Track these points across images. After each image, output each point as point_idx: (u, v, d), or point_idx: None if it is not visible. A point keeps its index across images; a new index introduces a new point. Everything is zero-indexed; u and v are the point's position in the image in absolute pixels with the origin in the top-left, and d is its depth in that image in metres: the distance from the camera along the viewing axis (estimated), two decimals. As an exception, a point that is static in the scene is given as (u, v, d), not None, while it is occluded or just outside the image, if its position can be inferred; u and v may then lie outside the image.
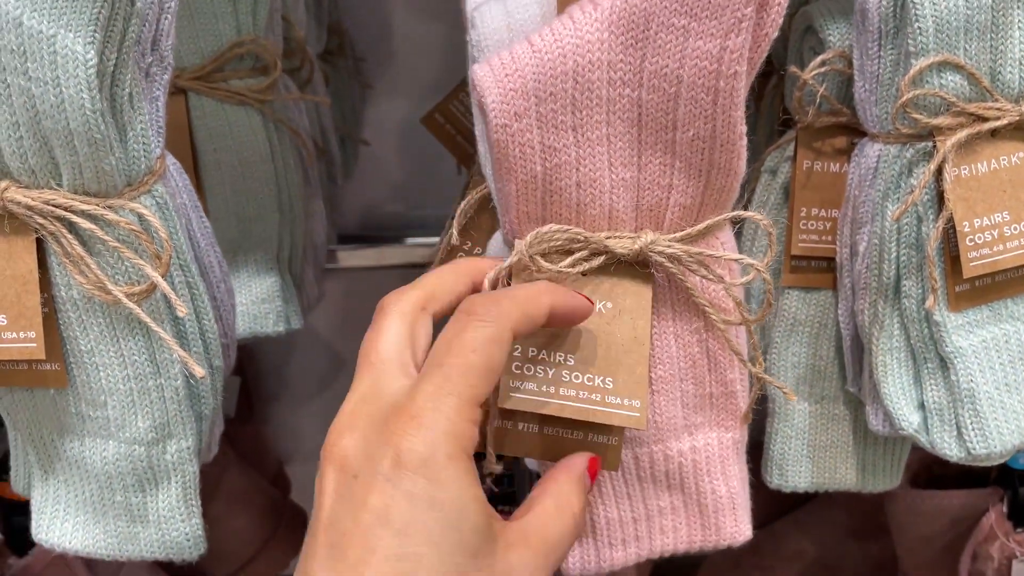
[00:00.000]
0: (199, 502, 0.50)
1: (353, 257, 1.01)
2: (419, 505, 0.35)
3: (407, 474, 0.36)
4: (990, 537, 0.85)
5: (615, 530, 0.50)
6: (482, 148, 0.62)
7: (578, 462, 0.43)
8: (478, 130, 0.63)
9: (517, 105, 0.41)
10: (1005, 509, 0.85)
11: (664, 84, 0.42)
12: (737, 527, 0.51)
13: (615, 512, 0.50)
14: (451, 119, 0.81)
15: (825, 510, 0.99)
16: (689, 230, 0.45)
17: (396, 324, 0.41)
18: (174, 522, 0.49)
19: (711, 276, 0.46)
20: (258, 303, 0.71)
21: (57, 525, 0.49)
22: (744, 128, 0.44)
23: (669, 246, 0.45)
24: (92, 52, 0.42)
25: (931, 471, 0.85)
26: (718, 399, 0.50)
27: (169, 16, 0.47)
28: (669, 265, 0.45)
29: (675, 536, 0.50)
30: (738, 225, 0.49)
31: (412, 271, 1.12)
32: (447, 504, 0.36)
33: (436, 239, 1.07)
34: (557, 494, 0.41)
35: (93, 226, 0.45)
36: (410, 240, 1.04)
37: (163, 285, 0.46)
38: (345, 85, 0.96)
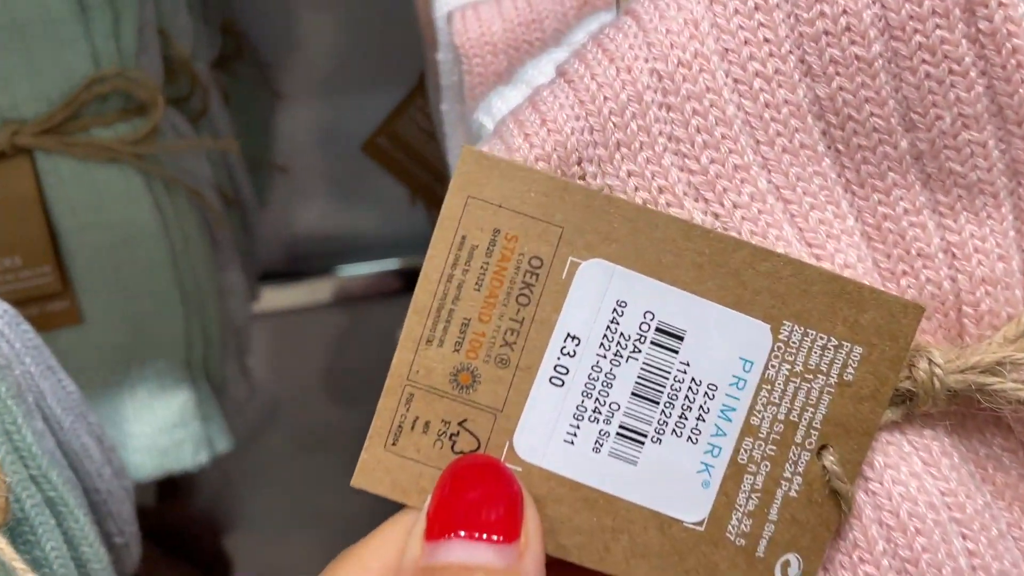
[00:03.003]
0: None
1: (278, 296, 0.89)
2: None
3: None
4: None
5: None
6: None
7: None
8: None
9: None
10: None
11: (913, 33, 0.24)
12: None
13: None
14: (401, 142, 0.62)
15: None
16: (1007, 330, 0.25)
17: None
18: None
19: None
20: (167, 431, 0.52)
21: None
22: None
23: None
24: None
25: None
26: None
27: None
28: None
29: None
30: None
31: (347, 306, 1.00)
32: None
33: (375, 265, 0.94)
34: None
35: None
36: (343, 270, 0.89)
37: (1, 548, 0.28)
38: (250, 96, 0.78)
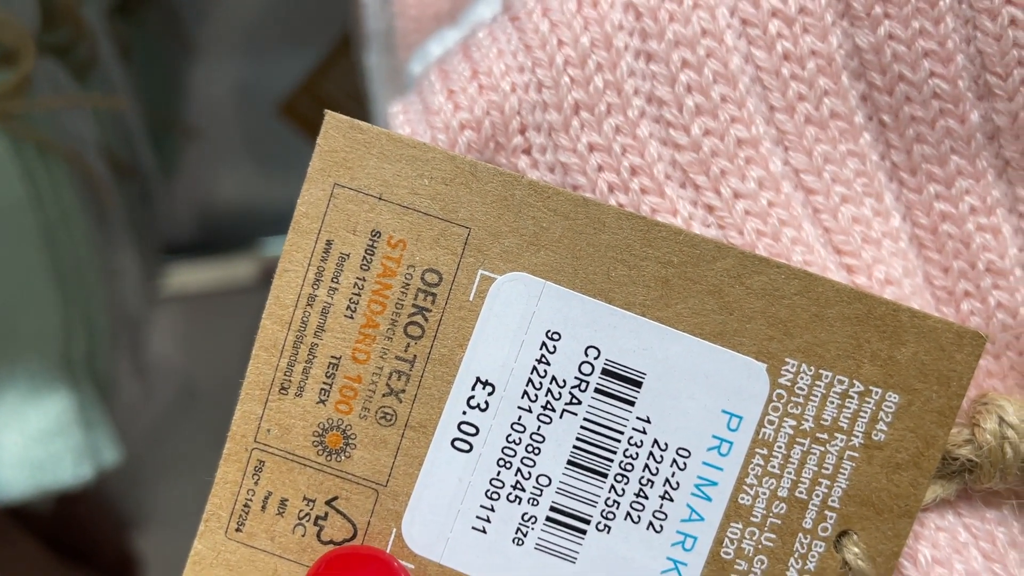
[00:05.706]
0: None
1: (192, 275, 0.82)
2: None
3: None
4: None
5: None
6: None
7: None
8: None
9: None
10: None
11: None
12: None
13: None
14: (325, 104, 0.55)
15: None
16: None
17: None
18: None
19: None
20: (42, 441, 0.45)
21: None
22: None
23: None
24: None
25: None
26: None
27: None
28: None
29: None
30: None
31: (271, 284, 0.94)
32: None
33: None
34: None
35: None
36: (266, 245, 0.82)
37: None
38: (158, 50, 0.70)
